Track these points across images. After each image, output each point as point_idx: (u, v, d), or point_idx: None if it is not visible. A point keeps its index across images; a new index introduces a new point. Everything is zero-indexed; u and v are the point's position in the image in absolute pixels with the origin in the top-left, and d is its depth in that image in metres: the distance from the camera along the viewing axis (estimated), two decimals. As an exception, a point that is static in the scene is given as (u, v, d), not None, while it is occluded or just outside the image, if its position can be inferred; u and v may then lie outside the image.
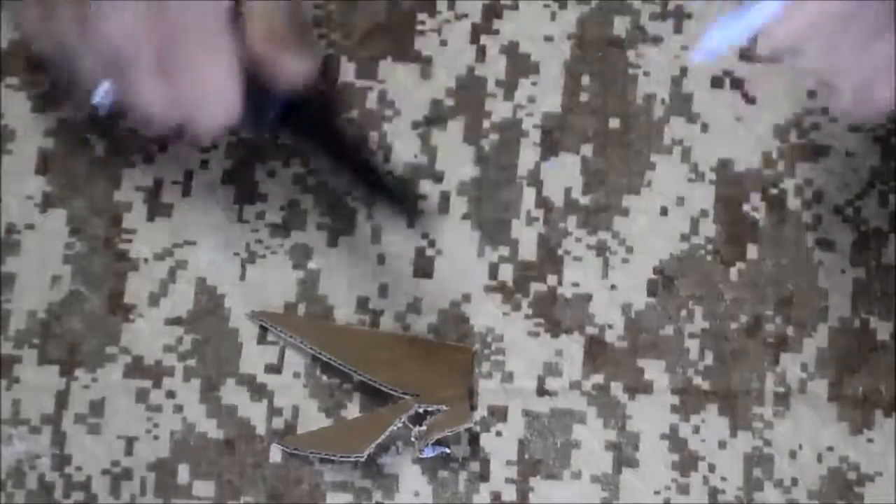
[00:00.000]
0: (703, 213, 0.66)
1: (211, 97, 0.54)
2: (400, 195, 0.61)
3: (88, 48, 0.53)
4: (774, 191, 0.66)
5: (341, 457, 0.62)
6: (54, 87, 0.64)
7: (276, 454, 0.63)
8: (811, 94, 0.66)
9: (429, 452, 0.61)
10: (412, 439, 0.62)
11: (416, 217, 0.64)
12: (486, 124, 0.66)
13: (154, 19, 0.52)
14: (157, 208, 0.65)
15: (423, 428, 0.61)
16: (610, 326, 0.64)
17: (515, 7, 0.68)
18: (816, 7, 0.52)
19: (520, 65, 0.67)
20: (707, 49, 0.53)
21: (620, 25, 0.68)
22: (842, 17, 0.51)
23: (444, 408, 0.62)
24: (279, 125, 0.57)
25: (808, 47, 0.53)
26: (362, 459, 0.61)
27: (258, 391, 0.63)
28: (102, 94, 0.56)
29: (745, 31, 0.52)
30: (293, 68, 0.55)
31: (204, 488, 0.62)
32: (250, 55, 0.54)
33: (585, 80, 0.67)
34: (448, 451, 0.62)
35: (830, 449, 0.63)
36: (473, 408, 0.63)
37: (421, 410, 0.62)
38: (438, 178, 0.66)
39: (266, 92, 0.55)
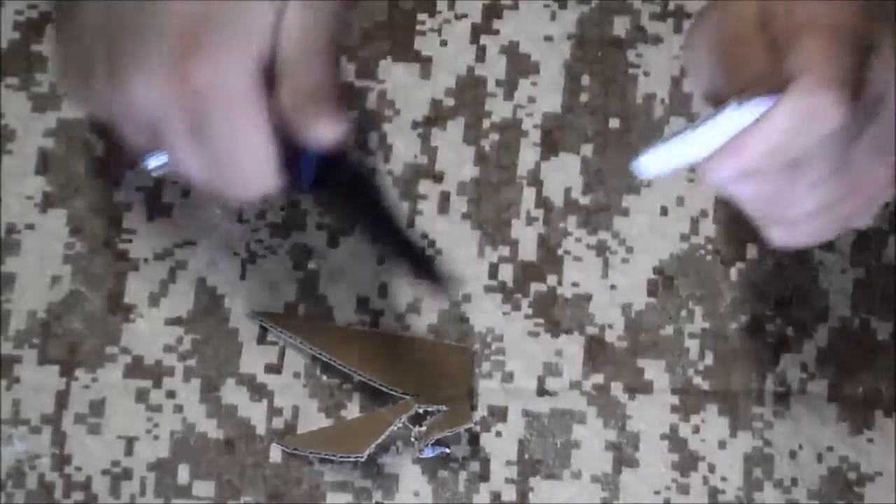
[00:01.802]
0: (703, 213, 0.66)
1: (247, 166, 0.50)
2: (426, 265, 0.59)
3: (127, 117, 0.51)
4: (774, 191, 0.66)
5: (341, 457, 0.62)
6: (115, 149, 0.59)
7: (276, 454, 0.63)
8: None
9: (429, 452, 0.61)
10: (412, 439, 0.62)
11: (442, 288, 0.59)
12: (486, 124, 0.66)
13: (181, 88, 0.49)
14: (157, 208, 0.65)
15: (423, 428, 0.61)
16: (610, 326, 0.64)
17: (515, 7, 0.68)
18: (765, 147, 0.49)
19: (520, 65, 0.67)
20: (649, 169, 0.50)
21: (620, 25, 0.68)
22: (790, 163, 0.49)
23: (444, 408, 0.62)
24: (316, 187, 0.54)
25: (750, 184, 0.51)
26: (362, 459, 0.61)
27: (258, 391, 0.63)
28: (154, 160, 0.53)
29: (691, 158, 0.50)
30: (328, 130, 0.51)
31: (204, 488, 0.62)
32: (286, 116, 0.50)
33: (585, 80, 0.67)
34: (448, 451, 0.62)
35: (830, 449, 0.63)
36: (473, 408, 0.63)
37: (421, 410, 0.62)
38: (438, 178, 0.66)
39: (301, 155, 0.52)
